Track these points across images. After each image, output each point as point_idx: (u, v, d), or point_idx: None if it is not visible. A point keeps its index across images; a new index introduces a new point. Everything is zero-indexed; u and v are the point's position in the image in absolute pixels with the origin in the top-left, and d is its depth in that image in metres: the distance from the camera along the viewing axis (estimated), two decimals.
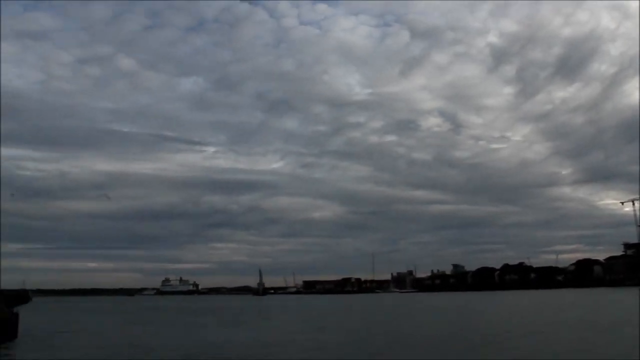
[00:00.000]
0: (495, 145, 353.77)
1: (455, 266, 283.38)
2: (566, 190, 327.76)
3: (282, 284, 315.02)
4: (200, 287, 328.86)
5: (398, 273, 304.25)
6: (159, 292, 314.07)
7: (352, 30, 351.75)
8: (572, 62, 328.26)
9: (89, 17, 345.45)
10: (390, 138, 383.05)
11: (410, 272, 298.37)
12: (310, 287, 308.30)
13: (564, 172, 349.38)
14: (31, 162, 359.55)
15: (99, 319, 54.45)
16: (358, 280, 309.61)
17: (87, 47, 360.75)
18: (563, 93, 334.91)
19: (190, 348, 28.02)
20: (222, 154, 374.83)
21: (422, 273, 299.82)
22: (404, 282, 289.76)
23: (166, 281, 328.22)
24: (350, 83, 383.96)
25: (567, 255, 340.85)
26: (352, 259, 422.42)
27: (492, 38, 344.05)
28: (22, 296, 58.22)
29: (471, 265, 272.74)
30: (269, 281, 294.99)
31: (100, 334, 40.27)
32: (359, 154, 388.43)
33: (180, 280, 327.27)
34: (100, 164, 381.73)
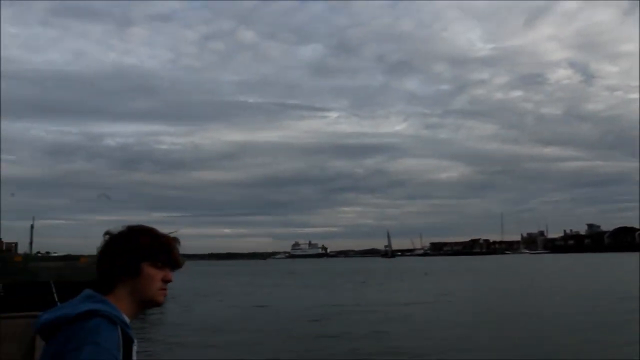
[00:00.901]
0: (633, 95, 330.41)
1: (590, 226, 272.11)
2: None
3: (409, 246, 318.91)
4: (328, 250, 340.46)
5: (528, 233, 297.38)
6: (290, 255, 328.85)
7: None
8: None
9: None
10: (517, 94, 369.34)
11: (541, 233, 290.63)
12: (437, 249, 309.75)
13: None
14: (167, 137, 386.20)
15: (236, 281, 59.84)
16: (486, 241, 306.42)
17: (210, 23, 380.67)
18: None
19: (328, 308, 30.72)
20: (345, 119, 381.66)
21: (554, 233, 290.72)
22: (534, 243, 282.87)
23: (296, 245, 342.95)
24: (472, 39, 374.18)
25: None
26: (480, 219, 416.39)
27: None
28: None
29: (607, 225, 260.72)
30: (396, 243, 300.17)
31: (239, 295, 42.82)
32: (483, 112, 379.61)
33: (310, 244, 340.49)
34: (228, 135, 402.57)
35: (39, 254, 74.15)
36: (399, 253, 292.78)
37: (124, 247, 1.74)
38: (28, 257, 49.08)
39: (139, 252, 1.74)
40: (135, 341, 1.62)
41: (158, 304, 1.79)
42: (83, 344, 1.46)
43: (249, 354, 16.89)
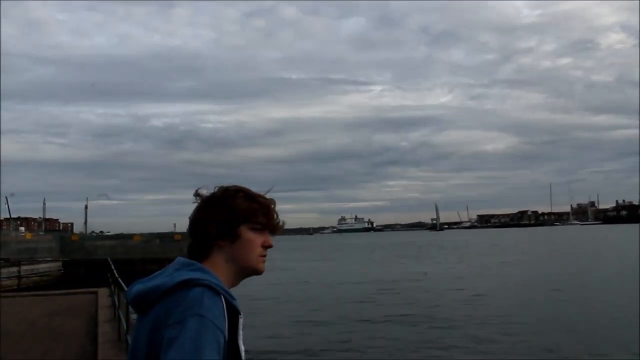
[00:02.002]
0: None
1: None
2: None
3: (456, 219, 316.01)
4: (375, 225, 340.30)
5: (578, 204, 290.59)
6: (336, 230, 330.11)
7: None
8: None
9: None
10: (565, 61, 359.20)
11: (592, 203, 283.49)
12: (484, 221, 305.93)
13: None
14: (212, 116, 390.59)
15: (285, 256, 60.50)
16: (535, 212, 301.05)
17: (251, 0, 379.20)
18: None
19: (377, 281, 31.03)
20: (389, 92, 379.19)
21: (605, 204, 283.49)
22: (585, 213, 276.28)
23: (342, 220, 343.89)
24: (517, 5, 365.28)
25: None
26: (527, 191, 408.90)
27: None
28: None
29: None
30: (442, 216, 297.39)
31: (291, 269, 42.61)
32: (531, 80, 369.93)
33: (356, 218, 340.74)
34: (273, 112, 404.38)
35: (94, 233, 77.00)
36: (446, 226, 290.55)
37: (219, 210, 1.58)
38: (84, 236, 51.18)
39: (236, 215, 1.58)
40: (242, 314, 1.49)
41: (258, 272, 1.63)
42: (186, 317, 1.34)
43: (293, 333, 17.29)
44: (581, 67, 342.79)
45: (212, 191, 1.64)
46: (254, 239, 1.61)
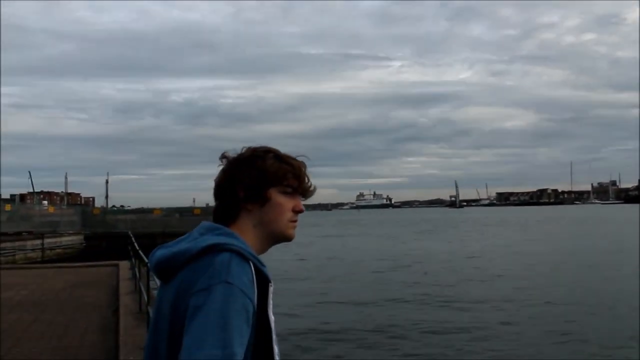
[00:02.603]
0: None
1: None
2: None
3: (475, 196, 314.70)
4: (393, 201, 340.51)
5: (599, 183, 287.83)
6: (355, 206, 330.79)
7: None
8: None
9: None
10: (589, 36, 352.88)
11: (613, 182, 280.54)
12: (503, 199, 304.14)
13: None
14: (231, 91, 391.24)
15: (304, 231, 60.67)
16: (555, 191, 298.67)
17: None
18: None
19: (397, 257, 31.54)
20: (409, 68, 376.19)
21: (627, 183, 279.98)
22: (606, 192, 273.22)
23: (360, 196, 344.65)
24: None
25: None
26: (548, 169, 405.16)
27: None
28: None
29: None
30: (461, 193, 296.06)
31: (310, 245, 42.54)
32: (553, 57, 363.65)
33: (374, 194, 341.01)
34: (292, 87, 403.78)
35: (114, 207, 77.99)
36: (464, 203, 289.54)
37: (248, 171, 1.50)
38: (105, 210, 51.89)
39: (265, 177, 1.49)
40: (272, 282, 1.41)
41: (288, 238, 1.55)
42: (212, 284, 1.27)
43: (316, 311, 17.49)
44: (605, 42, 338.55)
45: (239, 152, 1.56)
46: (284, 202, 1.52)
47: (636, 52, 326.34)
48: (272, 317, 1.39)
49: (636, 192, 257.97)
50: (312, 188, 1.58)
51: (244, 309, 1.28)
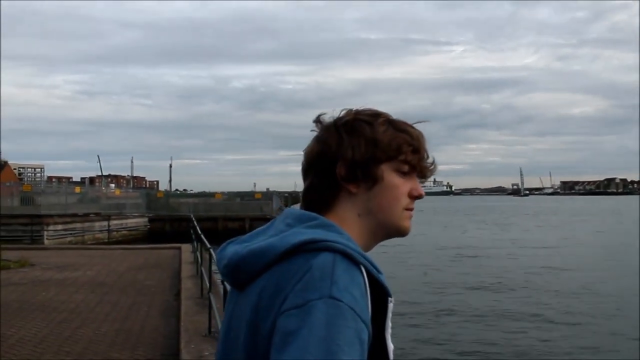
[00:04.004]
0: None
1: None
2: None
3: (538, 185, 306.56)
4: (454, 188, 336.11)
5: None
6: None
7: None
8: None
9: None
10: None
11: None
12: (568, 188, 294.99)
13: None
14: (291, 77, 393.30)
15: None
16: (623, 180, 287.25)
17: None
18: None
19: (462, 247, 30.74)
20: (471, 53, 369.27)
21: None
22: None
23: (420, 182, 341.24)
24: None
25: None
26: (616, 157, 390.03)
27: None
28: (295, 197, 68.27)
29: None
30: (524, 181, 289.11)
31: None
32: (624, 40, 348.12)
33: (434, 181, 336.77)
34: (352, 73, 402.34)
35: (177, 191, 79.90)
36: (527, 192, 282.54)
37: (353, 141, 1.08)
38: (168, 193, 53.14)
39: (377, 149, 1.08)
40: (392, 296, 1.00)
41: (403, 232, 1.12)
42: (311, 299, 0.89)
43: None
44: None
45: (337, 116, 1.13)
46: (399, 184, 1.09)
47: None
48: (390, 347, 1.00)
49: None
50: (432, 166, 1.14)
51: (357, 337, 0.88)
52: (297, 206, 1.25)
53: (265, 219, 36.80)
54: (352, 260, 0.95)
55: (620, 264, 23.54)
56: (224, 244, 1.12)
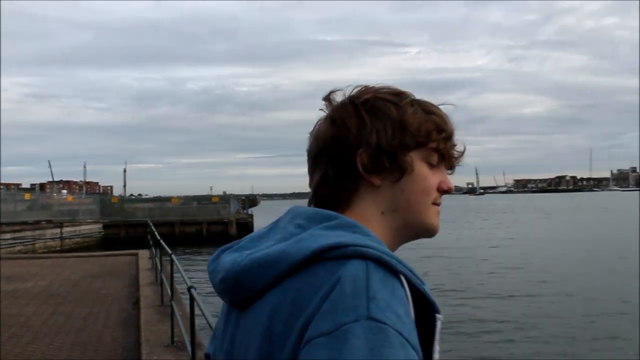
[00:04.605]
0: None
1: None
2: None
3: (492, 183, 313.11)
4: None
5: (619, 170, 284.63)
6: None
7: None
8: None
9: None
10: (610, 20, 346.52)
11: (633, 169, 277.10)
12: (521, 186, 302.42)
13: None
14: (247, 79, 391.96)
15: None
16: (573, 178, 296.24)
17: None
18: None
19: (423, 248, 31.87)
20: (425, 54, 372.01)
21: None
22: (625, 179, 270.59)
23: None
24: None
25: None
26: (566, 155, 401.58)
27: None
28: (252, 200, 67.95)
29: None
30: (479, 180, 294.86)
31: None
32: (573, 42, 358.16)
33: None
34: (308, 74, 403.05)
35: (132, 196, 78.34)
36: (482, 190, 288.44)
37: (378, 124, 0.88)
38: (123, 198, 51.94)
39: (404, 135, 0.88)
40: (441, 312, 0.79)
41: (432, 232, 0.92)
42: (344, 322, 0.68)
43: None
44: (628, 26, 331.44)
45: (351, 93, 0.93)
46: (429, 176, 0.90)
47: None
48: None
49: None
50: (462, 155, 0.96)
51: None
52: (295, 204, 1.02)
53: (223, 223, 36.92)
54: (389, 268, 0.75)
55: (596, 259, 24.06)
56: (217, 251, 0.91)
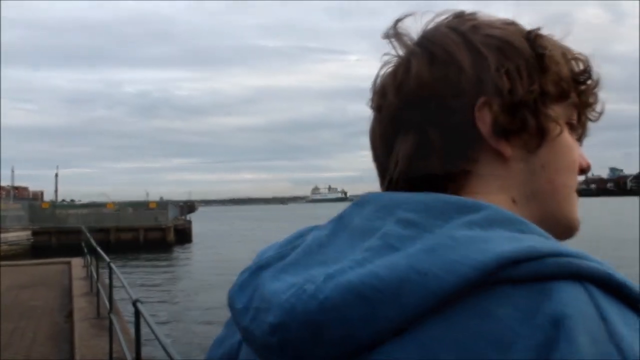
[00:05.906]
0: None
1: (612, 170, 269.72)
2: None
3: None
4: (348, 195, 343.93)
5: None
6: (310, 200, 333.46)
7: None
8: None
9: None
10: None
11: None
12: None
13: None
14: (186, 83, 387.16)
15: (258, 225, 60.27)
16: None
17: None
18: None
19: None
20: (365, 62, 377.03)
21: None
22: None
23: (315, 189, 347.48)
24: None
25: None
26: None
27: None
28: (190, 206, 67.10)
29: (632, 169, 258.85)
30: None
31: (263, 239, 43.06)
32: None
33: (329, 188, 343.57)
34: (248, 79, 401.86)
35: (65, 202, 75.36)
36: None
37: (501, 64, 0.56)
38: (55, 204, 49.78)
39: (540, 79, 0.57)
40: None
41: (574, 229, 0.61)
42: None
43: None
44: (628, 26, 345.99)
45: (449, 18, 0.61)
46: (574, 145, 0.60)
47: (584, 50, 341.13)
48: None
49: (584, 186, 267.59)
50: (599, 118, 0.63)
51: None
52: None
53: (160, 230, 35.84)
54: (618, 292, 0.43)
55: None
56: (244, 273, 0.55)
